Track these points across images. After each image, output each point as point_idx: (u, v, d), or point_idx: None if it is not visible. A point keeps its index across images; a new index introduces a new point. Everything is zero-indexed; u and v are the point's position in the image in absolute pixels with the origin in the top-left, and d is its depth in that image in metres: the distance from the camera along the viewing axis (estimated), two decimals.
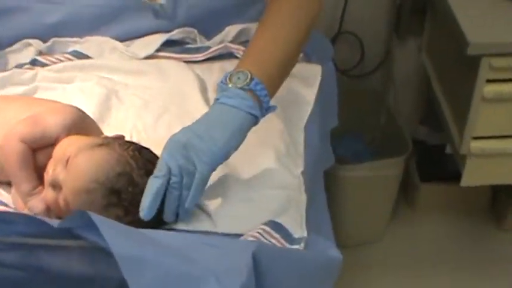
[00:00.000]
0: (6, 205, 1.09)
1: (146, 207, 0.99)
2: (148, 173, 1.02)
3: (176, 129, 1.21)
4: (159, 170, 1.00)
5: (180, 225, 1.03)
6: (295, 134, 1.26)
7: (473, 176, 1.77)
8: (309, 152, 1.25)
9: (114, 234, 0.85)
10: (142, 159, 1.04)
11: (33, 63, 1.36)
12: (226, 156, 1.05)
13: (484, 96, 1.61)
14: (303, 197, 1.13)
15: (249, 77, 1.08)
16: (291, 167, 1.17)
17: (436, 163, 2.20)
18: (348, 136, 2.08)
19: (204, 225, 1.04)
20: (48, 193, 1.04)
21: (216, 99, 1.09)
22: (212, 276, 0.85)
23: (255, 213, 1.07)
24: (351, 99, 1.91)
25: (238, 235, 1.02)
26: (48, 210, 1.05)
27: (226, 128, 1.05)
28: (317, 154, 1.30)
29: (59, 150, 1.06)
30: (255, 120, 1.09)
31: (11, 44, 1.39)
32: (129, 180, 1.01)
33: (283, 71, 1.18)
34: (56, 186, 1.03)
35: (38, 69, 1.34)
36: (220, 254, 0.88)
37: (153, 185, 0.99)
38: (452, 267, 2.09)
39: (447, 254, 2.14)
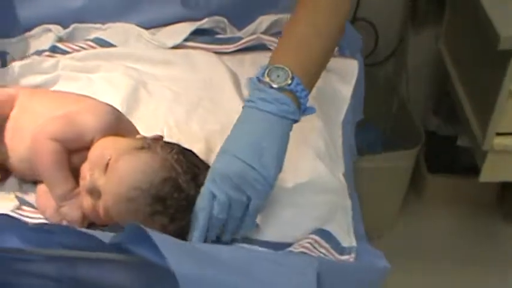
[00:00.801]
0: (33, 206, 1.02)
1: (195, 242, 0.93)
2: (194, 178, 0.96)
3: (211, 125, 1.16)
4: (206, 199, 0.94)
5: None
6: (333, 132, 1.21)
7: (492, 172, 1.74)
8: (346, 151, 1.20)
9: (173, 251, 0.80)
10: (187, 163, 0.97)
11: (53, 50, 1.29)
12: (278, 177, 0.98)
13: (511, 92, 1.57)
14: (348, 203, 1.09)
15: (290, 75, 0.98)
16: (333, 168, 1.13)
17: (446, 155, 2.17)
18: (363, 126, 2.04)
19: (251, 233, 0.99)
20: (85, 200, 0.97)
21: (250, 101, 0.98)
22: None
23: (301, 220, 1.02)
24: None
25: (286, 244, 0.98)
26: (84, 218, 0.98)
27: (273, 145, 0.96)
28: (352, 152, 1.25)
29: (95, 153, 0.98)
30: (293, 123, 1.01)
31: (30, 29, 1.32)
32: (175, 186, 0.94)
33: (321, 67, 1.09)
34: (94, 192, 0.96)
35: (60, 57, 1.26)
36: (283, 271, 0.83)
37: (199, 218, 0.94)
38: (458, 260, 2.08)
39: (453, 247, 2.13)
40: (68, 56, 1.27)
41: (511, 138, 1.67)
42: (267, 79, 0.98)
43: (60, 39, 1.30)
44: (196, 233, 0.93)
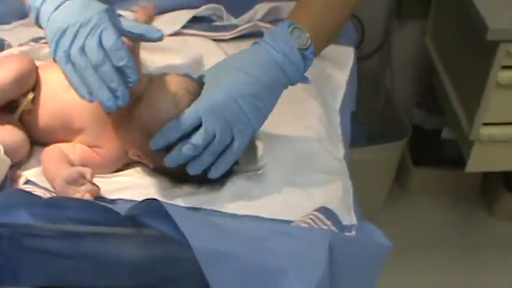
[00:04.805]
0: (35, 184, 1.01)
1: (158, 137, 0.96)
2: None
3: None
4: (190, 120, 0.96)
5: (231, 211, 0.99)
6: (331, 117, 1.22)
7: (478, 162, 1.78)
8: (344, 136, 1.22)
9: (190, 226, 0.81)
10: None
11: None
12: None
13: (498, 83, 1.61)
14: (349, 183, 1.11)
15: (309, 41, 1.03)
16: (333, 151, 1.14)
17: (430, 148, 2.21)
18: None
19: (254, 210, 1.00)
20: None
21: (273, 48, 1.01)
22: (292, 267, 0.82)
23: (303, 198, 1.03)
24: None
25: (288, 221, 0.98)
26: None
27: (272, 96, 1.01)
28: (350, 137, 1.27)
29: None
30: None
31: (25, 16, 1.31)
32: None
33: (327, 44, 1.14)
34: (134, 95, 0.97)
35: None
36: (298, 244, 0.85)
37: (171, 133, 0.96)
38: (443, 251, 2.11)
39: (438, 239, 2.16)
40: None
41: (497, 128, 1.70)
42: (290, 32, 1.02)
43: None
44: (158, 138, 0.96)
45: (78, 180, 0.95)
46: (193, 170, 0.98)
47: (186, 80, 1.01)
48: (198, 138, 0.95)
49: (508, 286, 2.02)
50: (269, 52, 1.00)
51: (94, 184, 0.96)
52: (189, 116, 0.95)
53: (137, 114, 0.99)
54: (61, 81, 0.96)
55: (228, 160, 0.99)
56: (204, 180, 1.00)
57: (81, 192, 0.94)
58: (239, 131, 0.97)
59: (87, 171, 0.96)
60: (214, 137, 0.96)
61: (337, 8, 1.11)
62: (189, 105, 0.97)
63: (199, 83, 1.01)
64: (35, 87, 1.06)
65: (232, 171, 1.03)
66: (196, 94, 0.98)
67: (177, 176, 1.01)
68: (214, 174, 0.99)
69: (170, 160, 0.97)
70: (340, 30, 1.18)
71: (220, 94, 0.96)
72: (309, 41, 1.02)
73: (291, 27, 1.02)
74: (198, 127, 0.96)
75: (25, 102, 1.05)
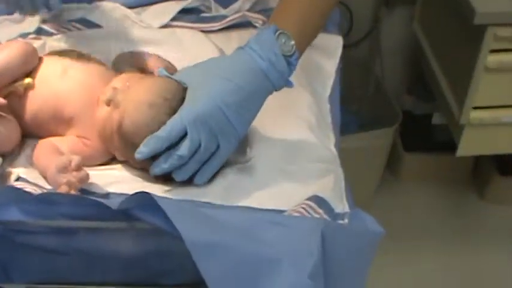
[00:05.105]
0: (26, 181, 1.00)
1: (144, 149, 0.97)
2: None
3: None
4: (174, 131, 0.96)
5: (223, 203, 0.99)
6: (321, 106, 1.22)
7: (469, 146, 1.78)
8: (335, 124, 1.22)
9: (181, 218, 0.81)
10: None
11: (39, 32, 1.27)
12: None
13: (487, 66, 1.62)
14: (340, 171, 1.11)
15: (294, 48, 1.03)
16: (324, 139, 1.15)
17: (421, 133, 2.21)
18: None
19: (245, 201, 1.00)
20: (101, 110, 1.02)
21: (259, 55, 1.00)
22: (284, 257, 0.82)
23: (294, 187, 1.03)
24: None
25: (280, 211, 0.98)
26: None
27: (257, 103, 1.02)
28: (340, 125, 1.27)
29: (119, 77, 1.05)
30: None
31: (12, 12, 1.29)
32: None
33: (313, 39, 1.13)
34: (113, 103, 1.00)
35: (46, 39, 1.25)
36: (290, 233, 0.85)
37: (156, 143, 0.96)
38: (435, 235, 2.13)
39: (430, 223, 2.17)
40: (53, 37, 1.26)
41: (487, 112, 1.71)
42: (276, 39, 1.02)
43: (44, 21, 1.29)
44: (143, 149, 0.96)
45: (67, 167, 0.95)
46: (179, 177, 0.99)
47: (163, 85, 1.01)
48: (184, 149, 0.96)
49: (499, 269, 2.03)
50: (254, 59, 1.00)
51: (82, 170, 0.96)
52: (174, 126, 0.96)
53: (117, 125, 1.00)
54: (54, 70, 1.01)
55: (213, 166, 1.00)
56: (191, 180, 1.01)
57: (69, 178, 0.94)
58: (224, 139, 0.98)
59: (75, 157, 0.97)
60: (200, 145, 0.97)
61: (322, 1, 1.10)
62: (166, 113, 0.97)
63: (180, 83, 1.01)
64: (31, 73, 1.08)
65: (222, 165, 1.03)
66: (175, 99, 0.99)
67: (165, 176, 1.01)
68: (200, 180, 1.00)
69: (156, 170, 0.98)
70: (326, 22, 1.17)
71: (204, 103, 0.96)
72: (294, 48, 1.02)
73: (277, 33, 1.01)
74: (183, 136, 0.96)
75: (24, 84, 1.06)
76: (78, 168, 0.95)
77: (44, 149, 1.03)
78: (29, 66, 1.06)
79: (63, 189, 0.93)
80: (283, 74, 1.02)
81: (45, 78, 1.07)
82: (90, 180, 0.98)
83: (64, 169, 0.95)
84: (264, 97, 1.03)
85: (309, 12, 1.08)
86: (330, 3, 1.12)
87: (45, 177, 1.00)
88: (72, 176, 0.94)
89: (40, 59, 1.10)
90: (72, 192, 0.93)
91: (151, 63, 1.15)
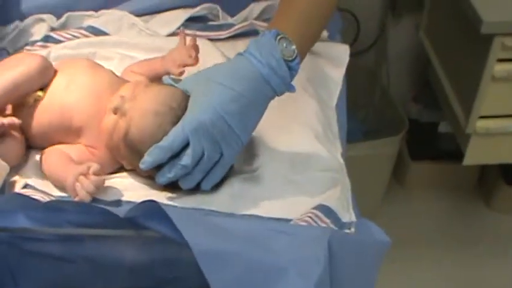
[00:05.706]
0: (34, 188, 1.01)
1: (148, 158, 0.97)
2: None
3: None
4: (176, 142, 0.96)
5: (229, 211, 0.99)
6: (328, 114, 1.23)
7: (476, 155, 1.78)
8: (341, 132, 1.23)
9: (188, 227, 0.81)
10: None
11: (46, 40, 1.28)
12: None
13: (493, 76, 1.61)
14: (347, 180, 1.11)
15: (295, 52, 1.02)
16: (331, 149, 1.15)
17: (427, 142, 2.21)
18: None
19: (252, 210, 1.00)
20: (107, 118, 1.01)
21: (257, 60, 1.00)
22: (291, 266, 0.82)
23: (301, 196, 1.03)
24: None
25: (287, 220, 0.99)
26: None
27: (258, 109, 1.02)
28: (346, 133, 1.27)
29: (125, 86, 1.05)
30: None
31: (21, 19, 1.30)
32: None
33: (314, 42, 1.14)
34: (119, 111, 1.00)
35: (52, 47, 1.25)
36: (297, 242, 0.85)
37: (160, 152, 0.96)
38: (442, 244, 2.12)
39: (436, 232, 2.16)
40: (60, 45, 1.26)
41: (494, 121, 1.71)
42: (278, 44, 1.01)
43: (53, 29, 1.30)
44: (147, 160, 0.96)
45: (87, 175, 0.96)
46: (185, 186, 0.99)
47: (168, 94, 1.01)
48: (187, 159, 0.96)
49: (506, 278, 2.02)
50: (254, 65, 1.00)
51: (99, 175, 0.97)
52: (176, 137, 0.96)
53: (123, 134, 1.00)
54: (61, 80, 1.01)
55: (218, 174, 1.00)
56: (198, 187, 1.01)
57: (88, 186, 0.95)
58: (227, 147, 0.98)
59: (94, 165, 0.98)
60: (203, 154, 0.97)
61: (323, 4, 1.10)
62: (172, 122, 0.98)
63: (184, 92, 1.02)
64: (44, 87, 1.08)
65: (229, 174, 1.03)
66: (180, 108, 0.99)
67: (172, 184, 1.01)
68: (205, 186, 1.00)
69: (162, 180, 0.98)
70: (327, 24, 1.17)
71: (205, 112, 0.96)
72: (296, 52, 1.01)
73: (278, 37, 1.01)
74: (186, 145, 0.96)
75: (35, 96, 1.06)
76: (97, 174, 0.96)
77: (56, 157, 1.02)
78: (45, 80, 1.06)
79: (84, 197, 0.94)
80: (285, 79, 1.02)
81: (53, 88, 1.07)
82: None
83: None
84: (266, 102, 1.03)
85: (310, 16, 1.07)
86: (330, 5, 1.12)
87: (58, 186, 1.00)
88: (91, 182, 0.95)
89: (54, 73, 1.09)
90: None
91: (160, 66, 1.16)
